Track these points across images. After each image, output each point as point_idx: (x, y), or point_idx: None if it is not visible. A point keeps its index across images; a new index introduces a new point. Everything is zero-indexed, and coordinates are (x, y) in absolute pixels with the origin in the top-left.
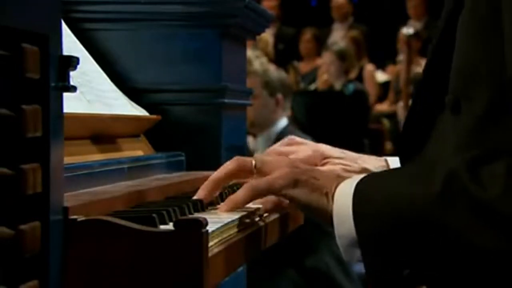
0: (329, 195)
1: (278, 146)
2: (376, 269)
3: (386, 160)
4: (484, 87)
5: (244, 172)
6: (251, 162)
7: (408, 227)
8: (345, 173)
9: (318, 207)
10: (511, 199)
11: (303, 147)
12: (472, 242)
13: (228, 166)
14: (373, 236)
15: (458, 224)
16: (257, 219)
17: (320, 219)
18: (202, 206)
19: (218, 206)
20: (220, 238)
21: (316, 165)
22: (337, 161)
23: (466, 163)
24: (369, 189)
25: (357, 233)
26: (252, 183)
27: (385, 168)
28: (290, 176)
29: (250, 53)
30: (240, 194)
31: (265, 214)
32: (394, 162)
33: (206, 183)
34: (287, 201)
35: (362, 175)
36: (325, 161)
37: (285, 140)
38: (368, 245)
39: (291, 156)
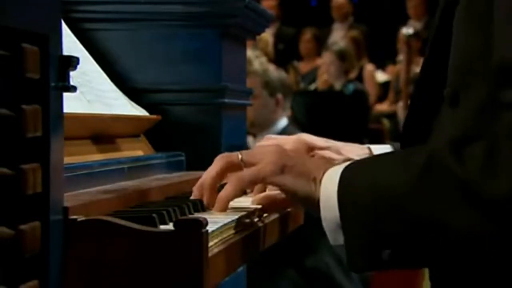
0: (316, 181)
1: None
2: (357, 252)
3: (369, 148)
4: (481, 80)
5: (233, 168)
6: (237, 156)
7: (389, 208)
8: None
9: (305, 193)
10: (486, 176)
11: (287, 140)
12: (447, 219)
13: (216, 165)
14: (355, 218)
15: (438, 202)
16: (256, 219)
17: (306, 206)
18: (202, 206)
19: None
20: (220, 238)
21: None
22: (321, 152)
23: (448, 143)
24: (353, 175)
25: (340, 218)
26: (237, 174)
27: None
28: (276, 163)
29: (250, 53)
30: (228, 189)
31: (265, 215)
32: (377, 150)
33: (204, 191)
34: (281, 195)
35: (348, 162)
36: (310, 153)
37: (263, 139)
38: (350, 228)
39: None
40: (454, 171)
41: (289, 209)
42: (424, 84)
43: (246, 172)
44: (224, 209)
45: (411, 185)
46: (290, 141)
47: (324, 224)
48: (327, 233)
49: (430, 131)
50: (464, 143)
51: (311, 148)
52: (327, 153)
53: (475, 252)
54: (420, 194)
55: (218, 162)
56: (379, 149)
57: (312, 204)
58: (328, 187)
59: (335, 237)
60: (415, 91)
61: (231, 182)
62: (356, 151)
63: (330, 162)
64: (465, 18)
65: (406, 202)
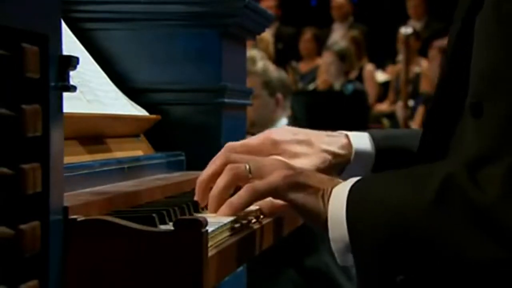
0: (324, 199)
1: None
2: (369, 276)
3: (347, 136)
4: (507, 89)
5: (239, 180)
6: (245, 167)
7: (401, 233)
8: (291, 161)
9: (313, 211)
10: (507, 205)
11: (254, 137)
12: (466, 248)
13: (223, 178)
14: (366, 242)
15: (453, 229)
16: (254, 220)
17: (314, 223)
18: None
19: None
20: (219, 238)
21: (270, 152)
22: (288, 147)
23: (464, 166)
24: (362, 193)
25: (350, 239)
26: (253, 185)
27: (347, 146)
28: (288, 179)
29: (255, 52)
30: (242, 196)
31: (261, 216)
32: (355, 138)
33: (201, 192)
34: (281, 206)
35: (355, 178)
36: (279, 148)
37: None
38: (361, 252)
39: (242, 147)
40: (472, 197)
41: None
42: (443, 92)
43: (261, 185)
44: (232, 214)
45: (425, 209)
46: (256, 139)
47: (332, 244)
48: (335, 254)
49: (449, 140)
50: (482, 165)
51: (277, 144)
52: (294, 147)
53: (494, 283)
54: (435, 220)
55: (225, 176)
56: (357, 137)
57: (319, 221)
58: (336, 207)
59: (343, 258)
60: (435, 99)
61: (246, 191)
62: (331, 140)
63: (334, 180)
64: (488, 23)
65: (420, 227)
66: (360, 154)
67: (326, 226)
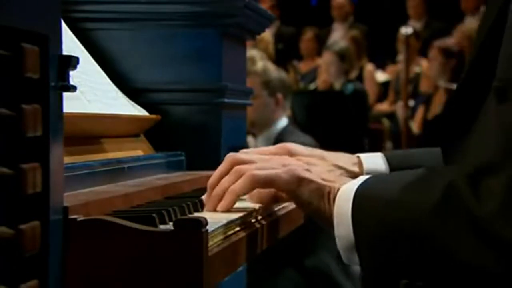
0: (330, 196)
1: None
2: (373, 276)
3: (359, 157)
4: None
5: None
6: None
7: (403, 237)
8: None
9: (319, 208)
10: (505, 219)
11: (269, 148)
12: (463, 257)
13: (227, 179)
14: (370, 242)
15: (452, 238)
16: (253, 220)
17: (318, 220)
18: (202, 206)
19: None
20: (219, 238)
21: None
22: (305, 159)
23: (467, 175)
24: (368, 194)
25: (355, 238)
26: (253, 172)
27: (358, 165)
28: (294, 173)
29: (255, 52)
30: (240, 182)
31: (259, 217)
32: (366, 158)
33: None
34: (270, 197)
35: (364, 177)
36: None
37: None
38: (365, 251)
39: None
40: (472, 208)
41: (289, 206)
42: (476, 71)
43: (262, 172)
44: (232, 202)
45: (427, 215)
46: (272, 148)
47: (337, 241)
48: (340, 251)
49: (474, 120)
50: (485, 175)
51: (292, 154)
52: (311, 160)
53: None
54: (436, 226)
55: (230, 176)
56: (369, 157)
57: (324, 218)
58: (342, 205)
59: (349, 256)
60: (466, 76)
61: (246, 177)
62: (343, 158)
63: (343, 178)
64: None
65: (421, 232)
66: (372, 173)
67: (329, 223)
